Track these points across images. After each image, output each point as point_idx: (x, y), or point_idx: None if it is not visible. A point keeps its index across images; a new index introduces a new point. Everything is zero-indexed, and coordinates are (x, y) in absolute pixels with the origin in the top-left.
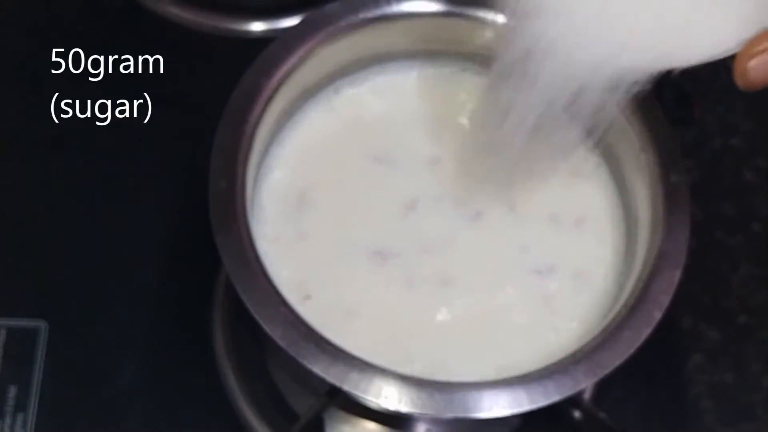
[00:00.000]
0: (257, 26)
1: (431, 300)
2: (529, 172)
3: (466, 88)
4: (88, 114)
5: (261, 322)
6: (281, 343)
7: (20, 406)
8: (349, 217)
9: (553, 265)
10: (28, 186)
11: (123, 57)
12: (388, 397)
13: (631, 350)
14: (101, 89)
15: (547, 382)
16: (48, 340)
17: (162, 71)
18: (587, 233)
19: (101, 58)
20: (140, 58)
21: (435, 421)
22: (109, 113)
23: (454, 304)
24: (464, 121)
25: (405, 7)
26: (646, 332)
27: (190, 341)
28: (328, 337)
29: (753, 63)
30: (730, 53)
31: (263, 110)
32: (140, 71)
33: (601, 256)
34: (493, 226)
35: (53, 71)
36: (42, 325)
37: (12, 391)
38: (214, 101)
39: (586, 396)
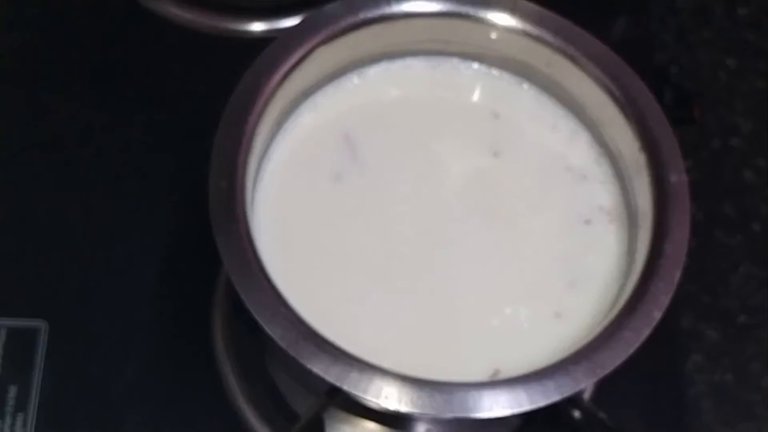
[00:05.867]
0: (257, 26)
1: (433, 302)
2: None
3: (466, 88)
4: (89, 114)
5: (261, 322)
6: (281, 343)
7: (20, 406)
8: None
9: (554, 264)
10: (29, 186)
11: (123, 57)
12: (388, 397)
13: (631, 350)
14: (101, 89)
15: (547, 381)
16: (48, 340)
17: (162, 71)
18: (589, 233)
19: (101, 58)
20: (140, 58)
21: (435, 421)
22: (109, 113)
23: (454, 300)
24: (464, 119)
25: (405, 7)
26: (645, 333)
27: (190, 341)
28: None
29: None
30: None
31: (263, 110)
32: (139, 71)
33: (603, 256)
34: (493, 223)
35: (53, 71)
36: (42, 325)
37: (12, 391)
38: (214, 101)
39: (586, 396)
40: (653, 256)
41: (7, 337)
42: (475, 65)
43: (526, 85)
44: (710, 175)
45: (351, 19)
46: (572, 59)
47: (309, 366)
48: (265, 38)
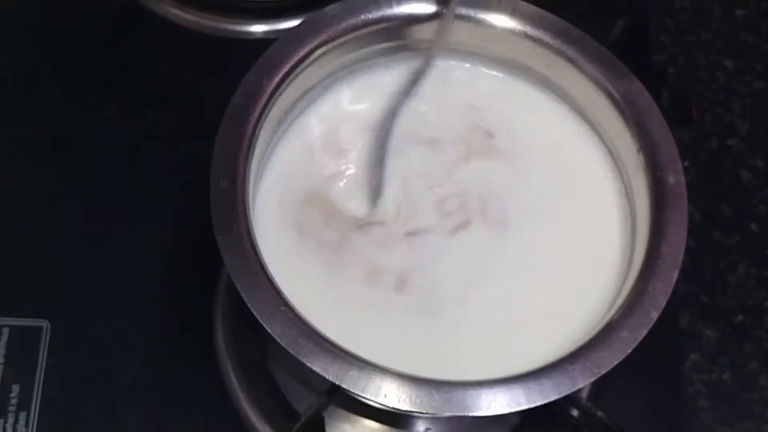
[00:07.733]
0: (258, 28)
1: (435, 301)
2: None
3: (466, 89)
4: (89, 114)
5: (261, 320)
6: (281, 341)
7: (23, 404)
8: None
9: (553, 266)
10: (30, 186)
11: (123, 57)
12: (387, 395)
13: (628, 350)
14: (102, 89)
15: (545, 381)
16: (50, 339)
17: (162, 71)
18: (588, 234)
19: (102, 59)
20: (140, 58)
21: (434, 420)
22: (110, 113)
23: (454, 299)
24: (464, 120)
25: (405, 9)
26: (642, 333)
27: (191, 340)
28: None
29: None
30: None
31: (264, 110)
32: (140, 71)
33: (602, 257)
34: (490, 223)
35: (53, 72)
36: (44, 324)
37: (14, 390)
38: (215, 102)
39: (584, 395)
40: (651, 257)
41: (10, 337)
42: (476, 67)
43: (525, 87)
44: (708, 175)
45: (351, 21)
46: (571, 61)
47: (308, 364)
48: (266, 39)
